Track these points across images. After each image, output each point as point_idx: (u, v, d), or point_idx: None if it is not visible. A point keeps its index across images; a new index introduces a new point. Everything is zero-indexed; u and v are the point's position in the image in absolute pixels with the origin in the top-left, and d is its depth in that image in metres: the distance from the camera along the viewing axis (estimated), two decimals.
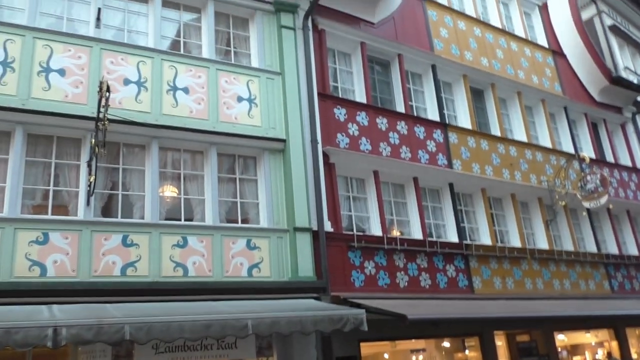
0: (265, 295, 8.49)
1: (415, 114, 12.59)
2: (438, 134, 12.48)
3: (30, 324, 5.88)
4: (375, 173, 11.07)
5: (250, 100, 9.93)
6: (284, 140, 9.86)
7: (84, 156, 8.33)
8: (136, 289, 7.80)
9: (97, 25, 9.03)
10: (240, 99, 9.84)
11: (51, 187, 8.15)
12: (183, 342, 7.80)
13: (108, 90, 7.73)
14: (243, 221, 9.39)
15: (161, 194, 8.90)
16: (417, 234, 11.21)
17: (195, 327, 6.61)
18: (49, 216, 7.93)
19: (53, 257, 7.60)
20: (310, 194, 9.73)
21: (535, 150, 14.49)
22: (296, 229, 9.31)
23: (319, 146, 10.23)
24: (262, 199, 9.56)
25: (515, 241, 12.95)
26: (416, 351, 11.01)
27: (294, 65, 10.46)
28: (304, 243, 9.30)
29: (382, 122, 11.57)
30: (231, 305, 7.64)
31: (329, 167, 10.38)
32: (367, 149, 11.07)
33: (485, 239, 12.34)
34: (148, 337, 6.34)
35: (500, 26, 15.55)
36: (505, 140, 13.91)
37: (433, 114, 12.82)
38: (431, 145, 12.22)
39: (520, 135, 14.54)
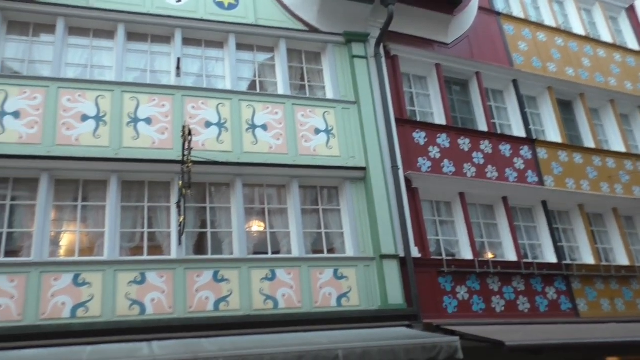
0: (355, 325, 8.35)
1: (499, 132, 12.15)
2: (525, 151, 11.94)
3: None
4: (462, 195, 10.72)
5: (327, 132, 10.04)
6: (364, 169, 9.83)
7: (174, 198, 8.72)
8: (229, 323, 7.95)
9: (178, 74, 9.57)
10: (317, 131, 9.98)
11: (145, 230, 8.57)
12: None
13: (190, 134, 8.12)
14: (329, 251, 9.38)
15: (248, 230, 9.11)
16: (510, 255, 10.65)
17: (287, 359, 6.59)
18: (145, 257, 8.32)
19: (151, 296, 7.94)
20: (395, 221, 9.57)
21: (636, 160, 13.47)
22: (383, 257, 9.15)
23: (400, 172, 10.10)
24: (347, 228, 9.52)
25: (622, 259, 11.97)
26: None
27: (368, 93, 10.49)
28: (392, 270, 9.11)
29: (464, 143, 11.26)
30: (322, 335, 7.57)
31: (412, 192, 10.19)
32: (450, 171, 10.78)
33: (588, 258, 11.50)
34: None
35: (584, 34, 14.82)
36: (600, 152, 13.05)
37: (518, 131, 12.31)
38: (519, 163, 11.70)
39: (617, 145, 13.60)
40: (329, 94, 10.54)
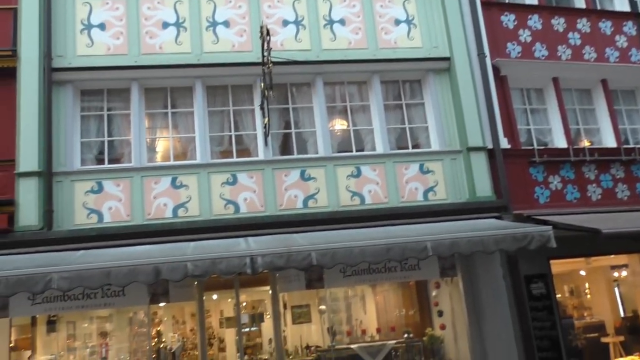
0: (442, 218, 8.37)
1: (598, 7, 11.04)
2: (629, 27, 10.82)
3: (231, 254, 6.56)
4: (555, 80, 10.03)
5: (408, 22, 9.56)
6: (448, 59, 9.38)
7: (257, 100, 8.83)
8: (318, 219, 8.23)
9: None
10: (397, 22, 9.53)
11: (232, 133, 8.83)
12: (367, 265, 8.09)
13: (268, 34, 8.01)
14: (414, 146, 9.27)
15: (331, 128, 9.14)
16: (609, 141, 10.04)
17: (376, 251, 6.80)
18: (235, 159, 8.64)
19: (243, 195, 8.33)
20: (482, 111, 9.20)
21: None
22: (470, 149, 8.93)
23: (488, 59, 9.55)
24: (431, 121, 9.29)
25: None
26: (617, 267, 10.08)
27: None
28: (480, 162, 8.90)
29: (558, 23, 10.36)
30: (409, 229, 7.68)
31: (501, 80, 9.65)
32: (542, 55, 10.04)
33: None
34: (333, 261, 6.68)
35: None
36: None
37: (621, 4, 11.10)
38: (621, 41, 10.67)
39: None
40: None
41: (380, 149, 9.00)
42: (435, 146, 9.17)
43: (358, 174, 8.73)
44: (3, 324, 7.69)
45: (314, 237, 7.41)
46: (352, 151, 9.05)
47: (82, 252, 7.13)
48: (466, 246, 6.98)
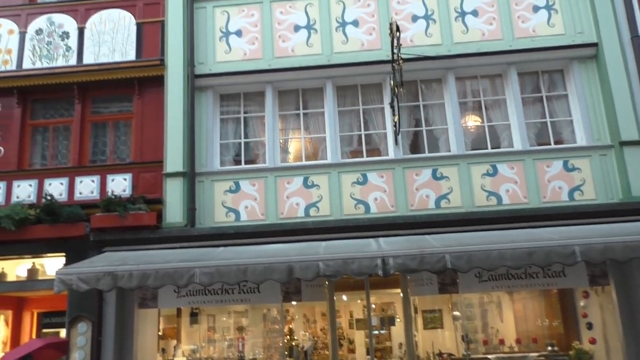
0: (591, 220, 7.62)
1: None
2: None
3: (363, 255, 6.49)
4: None
5: (548, 7, 8.86)
6: (595, 44, 8.55)
7: (387, 98, 8.70)
8: (451, 220, 7.90)
9: None
10: (536, 9, 8.88)
11: (362, 132, 8.79)
12: (506, 270, 7.60)
13: (398, 30, 7.85)
14: (556, 142, 8.57)
15: (464, 125, 8.75)
16: None
17: (516, 255, 6.34)
18: (365, 158, 8.60)
19: (373, 195, 8.26)
20: (637, 101, 8.25)
21: None
22: (622, 143, 8.06)
23: None
24: (577, 114, 8.53)
25: None
26: None
27: None
28: (635, 158, 7.98)
29: None
30: (554, 231, 7.08)
31: None
32: None
33: None
34: (469, 265, 6.35)
35: None
36: None
37: None
38: None
39: None
40: None
41: (518, 145, 8.43)
42: (581, 141, 8.40)
43: (494, 172, 8.25)
44: (153, 314, 8.35)
45: (448, 238, 7.11)
46: (487, 148, 8.58)
47: (222, 248, 7.49)
48: (622, 252, 6.26)
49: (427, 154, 8.55)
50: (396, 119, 8.23)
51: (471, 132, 8.84)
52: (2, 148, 8.94)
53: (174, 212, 8.21)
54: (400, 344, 9.37)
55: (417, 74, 8.76)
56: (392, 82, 8.20)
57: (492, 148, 8.58)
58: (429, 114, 8.88)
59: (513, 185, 8.19)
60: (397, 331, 9.90)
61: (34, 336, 9.24)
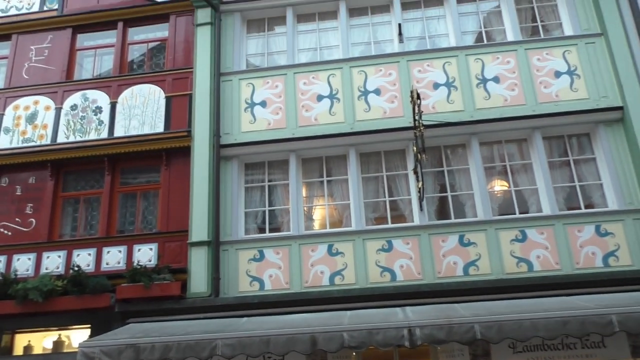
0: (628, 287, 7.30)
1: None
2: None
3: (388, 325, 6.31)
4: None
5: (570, 73, 8.91)
6: (621, 108, 8.49)
7: (410, 164, 8.71)
8: (480, 288, 7.68)
9: (400, 40, 9.48)
10: (558, 74, 8.93)
11: (387, 198, 8.76)
12: (541, 341, 7.25)
13: (419, 97, 7.98)
14: (587, 206, 8.36)
15: (490, 190, 8.65)
16: None
17: (549, 325, 6.06)
18: (389, 225, 8.52)
19: (399, 262, 8.12)
20: None
21: None
22: None
23: None
24: (606, 178, 8.36)
25: None
26: None
27: (618, 21, 8.95)
28: None
29: None
30: (589, 299, 6.79)
31: None
32: None
33: None
34: (500, 336, 6.09)
35: None
36: None
37: None
38: None
39: None
40: (568, 31, 9.31)
41: (547, 210, 8.26)
42: (612, 205, 8.18)
43: (523, 238, 8.06)
44: None
45: (477, 307, 6.88)
46: (515, 213, 8.42)
47: (245, 319, 7.38)
48: None
49: (453, 220, 8.43)
50: (420, 184, 8.20)
51: (498, 197, 8.72)
52: (34, 220, 9.17)
53: (198, 281, 8.18)
54: None
55: (440, 140, 8.80)
56: (414, 148, 8.23)
57: (520, 213, 8.41)
58: (454, 179, 8.83)
59: (544, 251, 7.96)
60: None
61: None
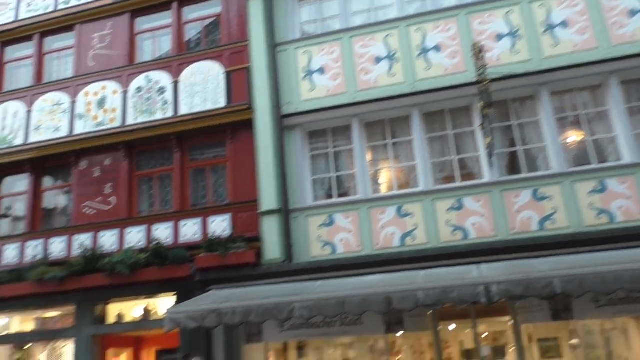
0: None
1: None
2: None
3: (463, 282, 6.26)
4: None
5: None
6: None
7: (477, 121, 8.47)
8: (558, 242, 7.44)
9: None
10: (633, 13, 8.34)
11: (454, 157, 8.59)
12: (626, 293, 6.97)
13: (481, 51, 7.73)
14: None
15: (564, 141, 8.29)
16: None
17: (635, 277, 5.82)
18: (459, 184, 8.36)
19: (471, 220, 7.99)
20: None
21: None
22: None
23: None
24: None
25: None
26: None
27: None
28: None
29: None
30: None
31: None
32: None
33: None
34: (581, 289, 5.92)
35: None
36: None
37: None
38: None
39: None
40: None
41: (627, 158, 7.84)
42: None
43: (602, 189, 7.71)
44: (260, 349, 8.52)
45: (556, 262, 6.69)
46: (591, 164, 8.05)
47: (320, 282, 7.52)
48: None
49: (525, 175, 8.17)
50: (489, 140, 7.97)
51: (572, 148, 8.35)
52: (113, 199, 9.65)
53: (272, 248, 8.39)
54: None
55: (507, 93, 8.49)
56: (480, 104, 7.98)
57: (598, 163, 8.04)
58: (524, 133, 8.52)
59: (626, 201, 7.59)
60: None
61: None
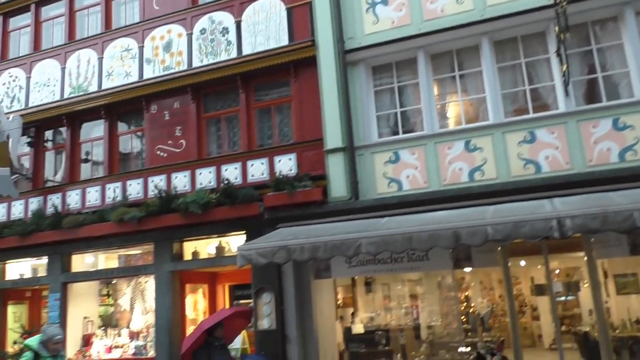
0: None
1: None
2: None
3: (535, 217, 6.06)
4: None
5: None
6: None
7: (552, 47, 7.94)
8: (639, 174, 7.00)
9: None
10: None
11: (527, 87, 8.15)
12: None
13: None
14: None
15: None
16: None
17: None
18: (531, 115, 7.97)
19: (544, 153, 7.65)
20: None
21: None
22: None
23: None
24: None
25: None
26: None
27: None
28: None
29: None
30: None
31: None
32: None
33: None
34: None
35: None
36: None
37: None
38: None
39: None
40: None
41: None
42: None
43: None
44: (329, 284, 8.78)
45: (636, 194, 6.32)
46: None
47: (386, 219, 7.53)
48: None
49: (605, 103, 7.65)
50: (565, 68, 7.48)
51: None
52: (184, 141, 9.95)
53: (338, 186, 8.43)
54: (590, 310, 8.61)
55: (586, 15, 7.87)
56: (556, 28, 7.44)
57: None
58: (605, 58, 7.93)
59: None
60: (586, 297, 9.13)
61: (227, 306, 10.25)
